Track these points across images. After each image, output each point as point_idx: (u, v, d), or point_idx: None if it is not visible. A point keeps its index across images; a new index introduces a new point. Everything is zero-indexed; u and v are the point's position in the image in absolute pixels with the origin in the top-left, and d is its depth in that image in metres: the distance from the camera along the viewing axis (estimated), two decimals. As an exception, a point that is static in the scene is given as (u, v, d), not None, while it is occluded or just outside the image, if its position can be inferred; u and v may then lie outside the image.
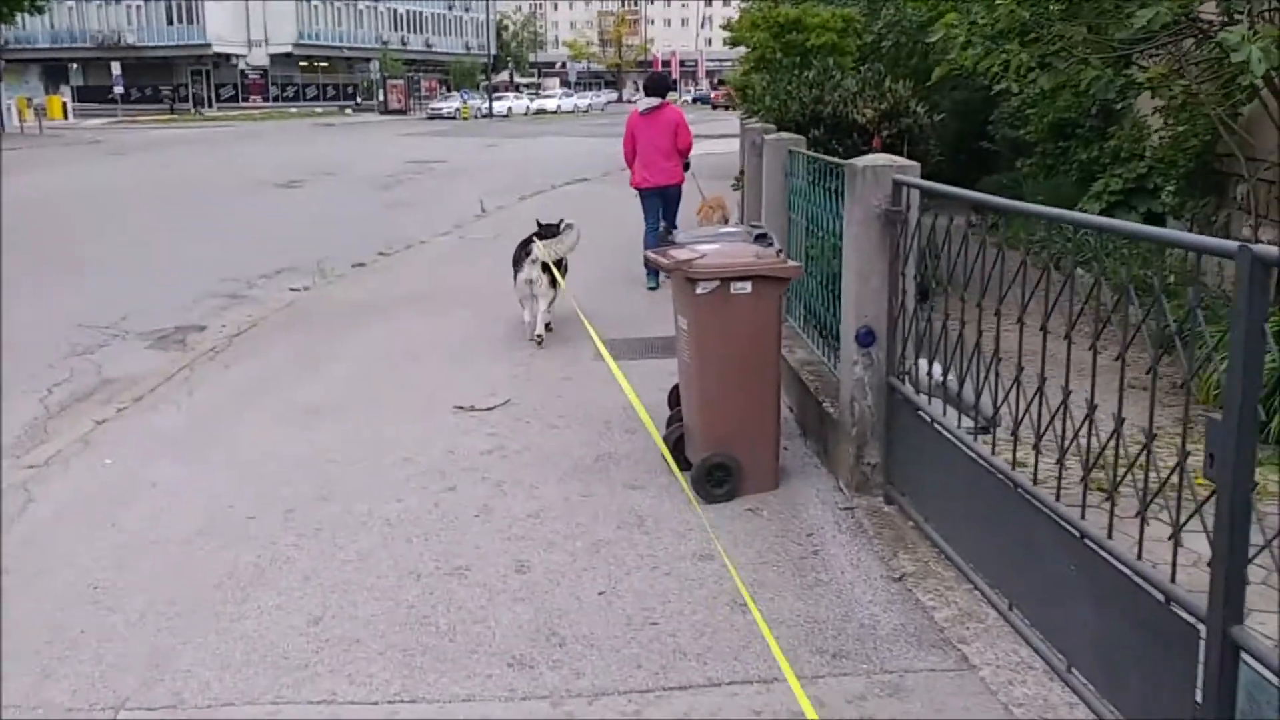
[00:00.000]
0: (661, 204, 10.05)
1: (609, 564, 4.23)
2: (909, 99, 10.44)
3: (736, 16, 18.35)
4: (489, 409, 6.31)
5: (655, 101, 10.14)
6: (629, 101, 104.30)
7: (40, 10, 47.57)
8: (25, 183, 21.96)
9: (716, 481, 4.75)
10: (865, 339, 4.55)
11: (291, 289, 10.87)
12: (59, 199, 19.56)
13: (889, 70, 11.58)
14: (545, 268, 7.97)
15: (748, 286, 4.63)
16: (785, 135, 6.93)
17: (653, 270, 10.13)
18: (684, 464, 5.05)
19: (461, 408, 6.33)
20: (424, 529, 4.64)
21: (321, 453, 5.67)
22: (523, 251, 8.29)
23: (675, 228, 10.17)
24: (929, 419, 4.21)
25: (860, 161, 4.55)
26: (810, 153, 6.61)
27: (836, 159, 5.68)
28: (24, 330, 9.00)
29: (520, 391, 6.66)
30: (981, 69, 7.66)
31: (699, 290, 4.62)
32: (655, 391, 6.06)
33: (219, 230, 15.33)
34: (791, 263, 4.81)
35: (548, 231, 8.62)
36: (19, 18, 47.43)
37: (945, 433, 4.07)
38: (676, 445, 5.12)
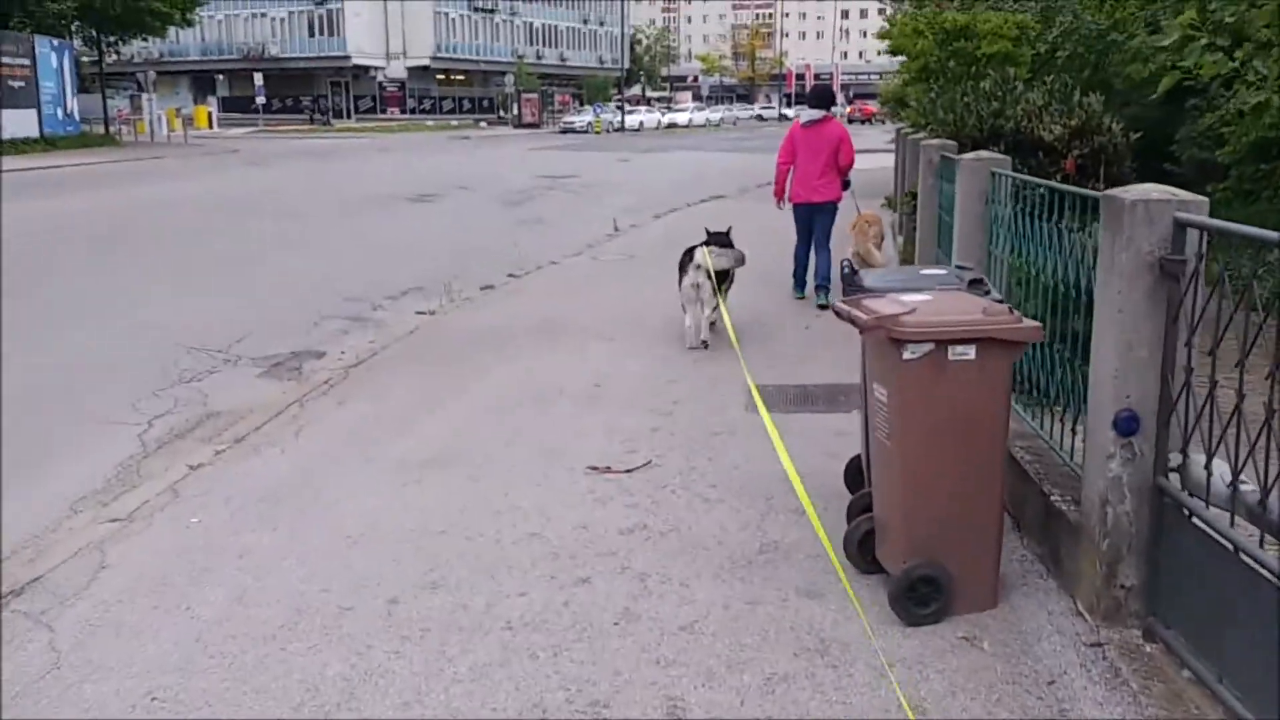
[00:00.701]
0: (814, 221, 9.73)
1: (787, 711, 3.26)
2: (1102, 114, 9.22)
3: (887, 23, 17.24)
4: (628, 471, 5.40)
5: (819, 114, 9.75)
6: (761, 116, 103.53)
7: (190, 23, 49.01)
8: (162, 190, 22.14)
9: (921, 599, 3.73)
10: (1127, 426, 3.48)
11: (418, 312, 10.19)
12: (191, 207, 19.51)
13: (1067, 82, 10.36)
14: (709, 274, 7.85)
15: (971, 351, 3.61)
16: (984, 155, 5.86)
17: (800, 278, 9.89)
18: (872, 563, 4.06)
19: (596, 469, 5.44)
20: (553, 639, 3.75)
21: (434, 521, 4.84)
22: (687, 257, 8.23)
23: (828, 247, 9.79)
24: (1220, 537, 3.14)
25: (1127, 194, 3.49)
26: (1026, 177, 5.53)
27: (1071, 187, 4.62)
28: (134, 350, 8.49)
29: (663, 449, 5.74)
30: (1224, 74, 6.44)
31: (907, 355, 3.62)
32: (819, 457, 5.14)
33: (347, 245, 14.87)
34: (1029, 322, 3.77)
35: (716, 239, 8.42)
36: (171, 30, 48.90)
37: (1248, 557, 3.00)
38: (863, 541, 4.12)
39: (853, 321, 3.85)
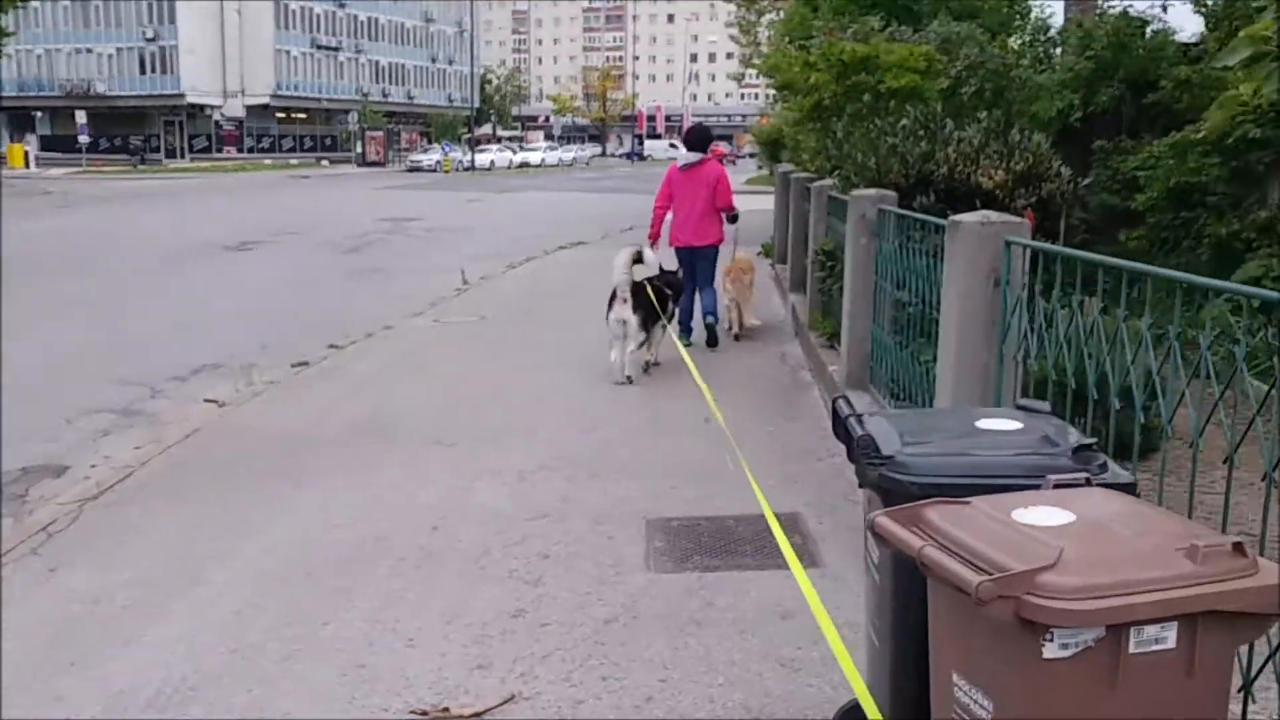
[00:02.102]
0: (695, 265, 9.29)
1: None
2: (1050, 156, 7.72)
3: (759, 61, 15.71)
4: (475, 718, 3.40)
5: (696, 157, 9.35)
6: (614, 155, 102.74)
7: (-4, 54, 44.93)
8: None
9: None
10: None
11: (207, 400, 8.00)
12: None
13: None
14: (639, 307, 7.83)
15: (1171, 636, 1.76)
16: (993, 216, 4.06)
17: (686, 325, 9.30)
18: None
19: (423, 714, 3.41)
20: None
21: None
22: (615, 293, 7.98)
23: (712, 287, 9.35)
24: None
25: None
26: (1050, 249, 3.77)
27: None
28: None
29: (531, 658, 3.74)
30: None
31: (1055, 650, 1.74)
32: (771, 670, 3.31)
33: (141, 308, 12.42)
34: (1267, 567, 1.92)
35: (667, 278, 8.58)
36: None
37: None
38: None
39: (926, 567, 1.97)
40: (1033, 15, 17.55)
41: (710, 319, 9.26)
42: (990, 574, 1.86)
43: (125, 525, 5.22)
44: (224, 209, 29.36)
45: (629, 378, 7.85)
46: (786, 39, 19.67)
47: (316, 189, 41.14)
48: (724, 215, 9.32)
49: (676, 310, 8.93)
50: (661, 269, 8.62)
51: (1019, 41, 15.69)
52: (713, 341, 9.20)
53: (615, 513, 5.14)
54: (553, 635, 3.88)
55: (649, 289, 8.07)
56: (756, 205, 20.80)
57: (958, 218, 4.05)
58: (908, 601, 2.66)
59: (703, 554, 4.64)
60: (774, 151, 23.34)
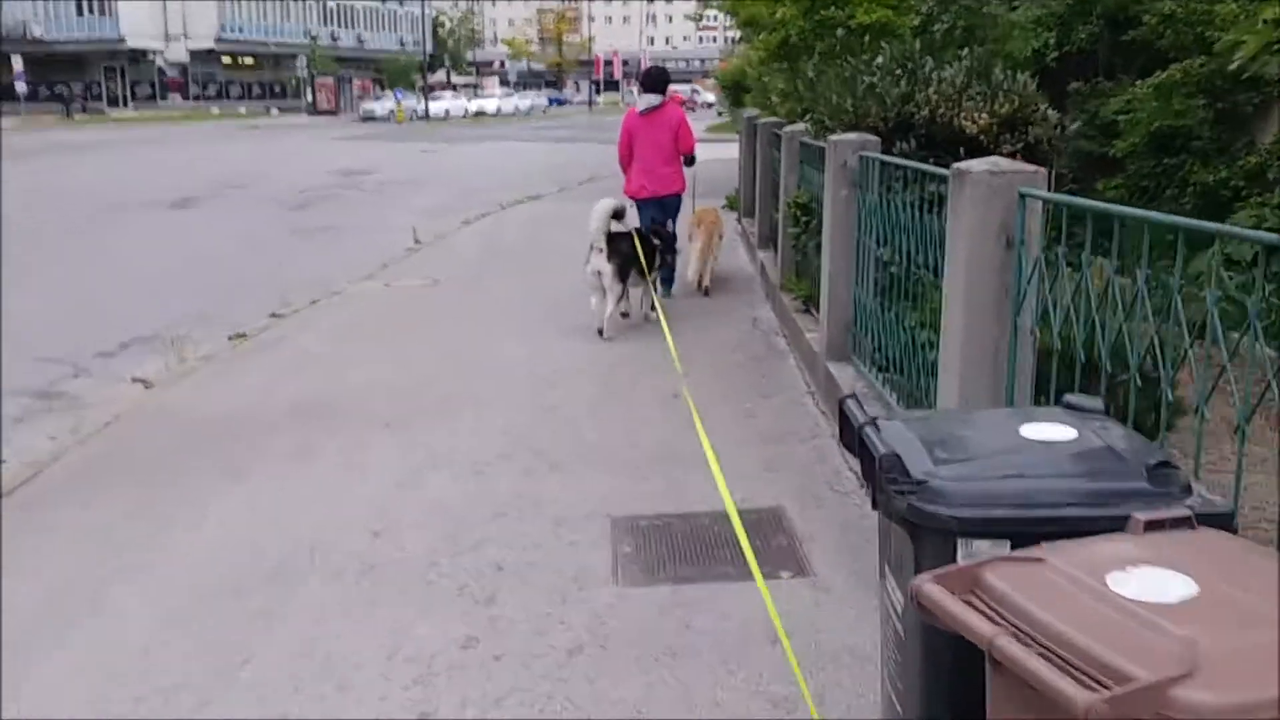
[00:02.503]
0: (660, 215, 8.89)
1: None
2: (1037, 98, 7.20)
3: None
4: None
5: (655, 100, 8.88)
6: (570, 103, 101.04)
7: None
8: None
9: None
10: None
11: (135, 379, 7.38)
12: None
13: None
14: (614, 255, 7.65)
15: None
16: (1003, 164, 3.52)
17: (667, 276, 9.01)
18: None
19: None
20: None
21: None
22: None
23: (674, 239, 8.93)
24: None
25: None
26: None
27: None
28: None
29: (484, 704, 3.23)
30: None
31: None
32: (768, 714, 2.81)
33: (69, 274, 11.69)
34: None
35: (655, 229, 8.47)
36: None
37: None
38: None
39: (999, 665, 1.48)
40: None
41: (666, 282, 9.04)
42: (1098, 682, 1.37)
43: (22, 538, 4.63)
44: (165, 162, 28.31)
45: (600, 331, 7.69)
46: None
47: (265, 139, 39.96)
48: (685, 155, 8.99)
49: (668, 261, 8.82)
50: (653, 220, 8.56)
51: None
52: (667, 295, 8.98)
53: (578, 510, 4.62)
54: (508, 670, 3.37)
55: (635, 238, 7.92)
56: (718, 154, 20.20)
57: (963, 166, 3.53)
58: (943, 670, 2.18)
59: (677, 561, 4.14)
60: (737, 95, 22.63)
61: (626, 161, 9.02)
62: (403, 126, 53.37)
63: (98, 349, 8.36)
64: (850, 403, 2.37)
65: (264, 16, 77.96)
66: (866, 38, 9.42)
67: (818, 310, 7.03)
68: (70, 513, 4.85)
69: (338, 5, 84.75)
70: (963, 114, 6.97)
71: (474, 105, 72.18)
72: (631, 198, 8.87)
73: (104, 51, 72.46)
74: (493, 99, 76.58)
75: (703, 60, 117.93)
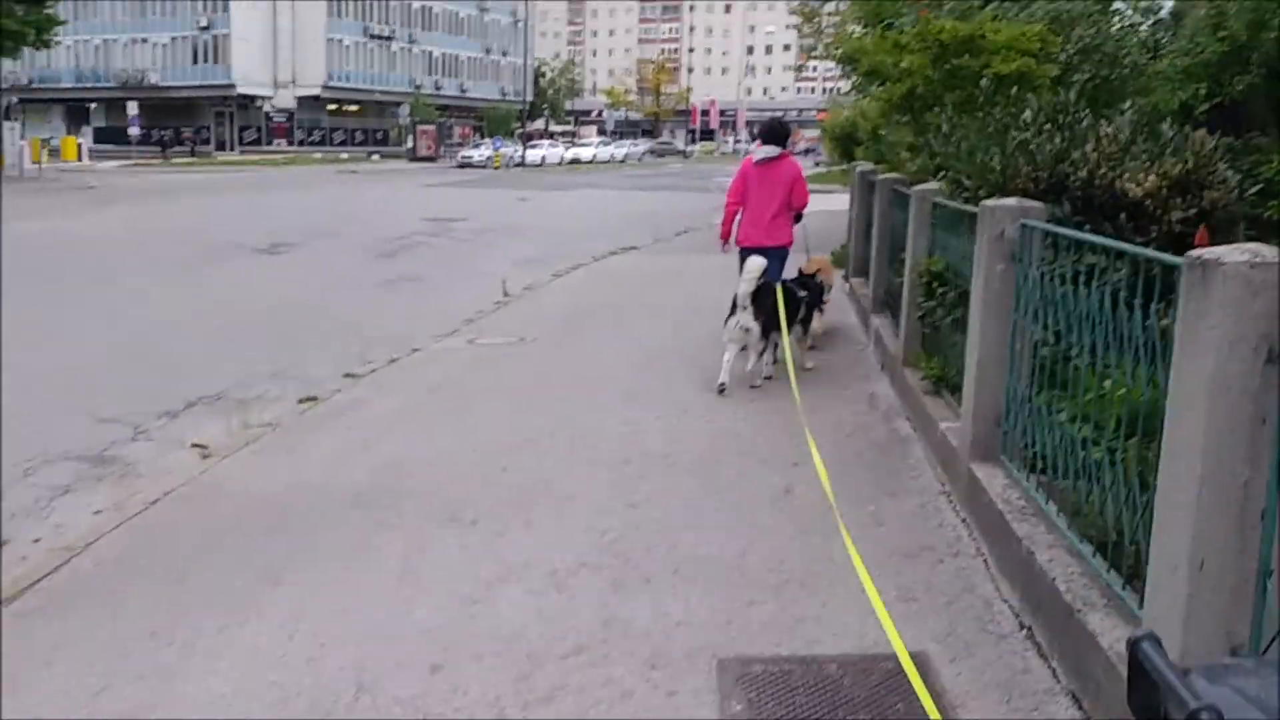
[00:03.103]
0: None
1: None
2: (1214, 157, 6.27)
3: (835, 45, 14.19)
4: None
5: (773, 151, 8.75)
6: (690, 154, 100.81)
7: (46, 44, 44.41)
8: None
9: None
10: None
11: (195, 444, 6.80)
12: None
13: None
14: (765, 312, 7.71)
15: None
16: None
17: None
18: None
19: None
20: None
21: None
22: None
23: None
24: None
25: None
26: None
27: None
28: None
29: None
30: None
31: None
32: None
33: (144, 322, 11.28)
34: None
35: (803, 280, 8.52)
36: (42, 55, 44.20)
37: None
38: None
39: None
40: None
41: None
42: None
43: (32, 643, 3.97)
44: (263, 205, 28.43)
45: (721, 386, 7.62)
46: (860, 23, 18.17)
47: (363, 184, 40.22)
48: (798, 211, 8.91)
49: (815, 314, 8.84)
50: (800, 271, 8.63)
51: (1120, 24, 14.07)
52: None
53: (675, 646, 3.80)
54: None
55: (779, 293, 7.87)
56: (820, 205, 19.36)
57: (1210, 255, 2.68)
58: None
59: (803, 731, 3.29)
60: (847, 148, 21.75)
61: (735, 209, 8.86)
62: (499, 173, 53.55)
63: (164, 407, 7.83)
64: (1146, 646, 1.50)
65: (370, 65, 79.59)
66: (998, 90, 8.53)
67: (951, 394, 6.14)
68: (82, 624, 4.17)
69: (442, 55, 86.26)
70: (1126, 175, 6.10)
71: (570, 153, 72.47)
72: (739, 246, 8.75)
73: (216, 97, 74.60)
74: (589, 147, 76.84)
75: (800, 111, 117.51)
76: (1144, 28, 14.11)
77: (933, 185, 7.21)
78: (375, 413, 7.23)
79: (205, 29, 73.05)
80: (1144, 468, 3.57)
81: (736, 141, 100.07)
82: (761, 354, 7.91)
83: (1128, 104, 7.33)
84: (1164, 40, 13.31)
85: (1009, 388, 4.87)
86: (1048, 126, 6.70)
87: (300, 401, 7.71)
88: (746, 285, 7.70)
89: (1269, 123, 11.08)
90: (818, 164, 56.64)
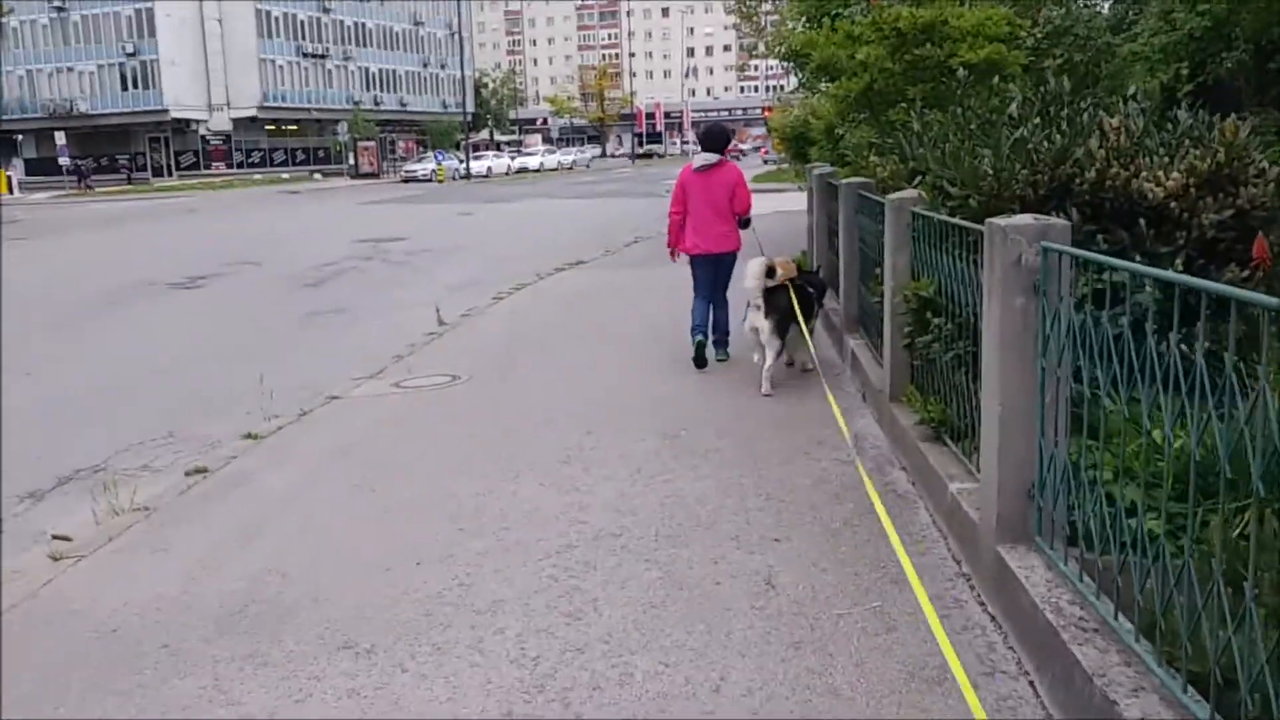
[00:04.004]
0: (714, 274, 8.81)
1: None
2: (1248, 147, 5.32)
3: (787, 38, 13.18)
4: None
5: (713, 158, 8.67)
6: (613, 156, 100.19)
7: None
8: None
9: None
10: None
11: (56, 536, 5.65)
12: None
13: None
14: (772, 312, 7.60)
15: None
16: None
17: (721, 339, 8.86)
18: None
19: None
20: None
21: None
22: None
23: (726, 300, 8.87)
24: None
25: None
26: None
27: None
28: None
29: None
30: None
31: None
32: None
33: (36, 380, 10.02)
34: None
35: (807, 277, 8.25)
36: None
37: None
38: None
39: None
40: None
41: (721, 344, 8.87)
42: None
43: None
44: (189, 232, 27.08)
45: (766, 394, 7.58)
46: (801, 20, 17.20)
47: (300, 205, 38.85)
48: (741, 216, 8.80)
49: (820, 309, 8.71)
50: (801, 269, 8.35)
51: (1085, 3, 13.17)
52: (723, 359, 8.81)
53: None
54: None
55: (791, 292, 7.73)
56: (772, 206, 18.36)
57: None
58: None
59: None
60: (800, 148, 20.72)
61: (679, 218, 8.82)
62: (443, 187, 52.24)
63: (31, 486, 6.69)
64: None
65: (306, 83, 78.03)
66: (979, 79, 7.55)
67: (956, 441, 5.12)
68: None
69: (379, 70, 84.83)
70: (1143, 173, 5.12)
71: (517, 163, 71.35)
72: (688, 254, 8.78)
73: (149, 123, 72.73)
74: (535, 155, 75.73)
75: (745, 110, 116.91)
76: (1105, 7, 13.27)
77: (909, 193, 6.19)
78: (269, 489, 6.08)
79: (132, 55, 71.18)
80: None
81: (684, 143, 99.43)
82: (779, 352, 7.73)
83: (1134, 88, 6.34)
84: (1132, 18, 12.45)
85: (1040, 449, 3.84)
86: (1036, 120, 5.72)
87: (187, 474, 6.54)
88: (752, 282, 7.60)
89: (1259, 103, 10.21)
90: (766, 161, 55.90)
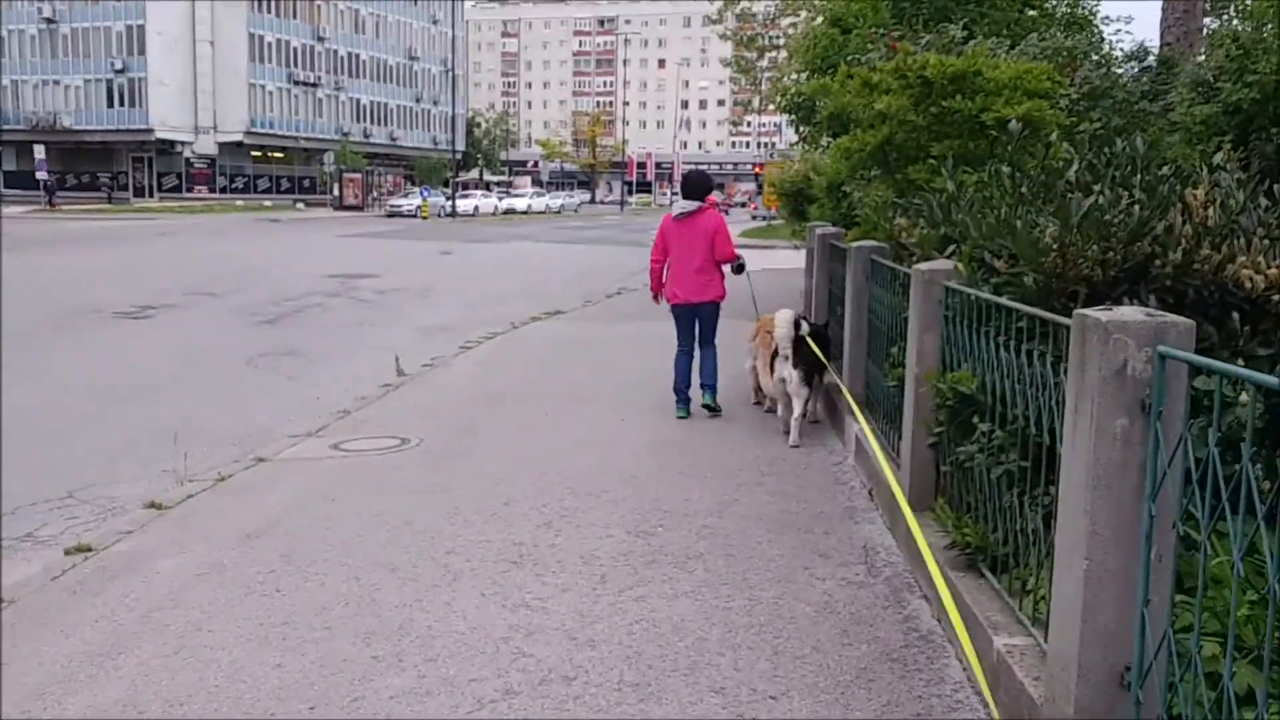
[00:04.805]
0: (694, 323, 8.69)
1: None
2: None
3: (791, 91, 12.33)
4: None
5: (693, 205, 8.59)
6: (602, 203, 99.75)
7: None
8: None
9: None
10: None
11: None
12: None
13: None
14: (804, 362, 7.60)
15: None
16: None
17: (683, 393, 8.61)
18: None
19: None
20: None
21: None
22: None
23: (714, 344, 8.73)
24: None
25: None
26: None
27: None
28: None
29: None
30: None
31: None
32: None
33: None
34: None
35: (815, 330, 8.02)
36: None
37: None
38: None
39: None
40: (1105, 30, 14.29)
41: (708, 387, 8.62)
42: None
43: None
44: (154, 258, 26.00)
45: (793, 445, 7.56)
46: (803, 72, 16.43)
47: (277, 235, 37.82)
48: (727, 268, 8.72)
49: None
50: (809, 323, 8.11)
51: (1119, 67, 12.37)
52: (711, 407, 8.62)
53: None
54: None
55: (810, 343, 7.69)
56: (762, 263, 17.46)
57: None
58: None
59: None
60: (798, 205, 19.87)
61: (659, 266, 8.80)
62: (427, 224, 51.29)
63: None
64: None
65: (295, 111, 77.27)
66: (1026, 138, 6.64)
67: (995, 574, 4.12)
68: None
69: (371, 103, 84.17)
70: (1245, 259, 4.20)
71: (504, 203, 70.67)
72: (670, 303, 8.73)
73: (133, 142, 71.73)
74: (523, 197, 75.09)
75: (735, 165, 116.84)
76: (1130, 75, 12.49)
77: (943, 263, 5.24)
78: (153, 584, 4.98)
79: (120, 71, 70.27)
80: None
81: (673, 194, 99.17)
82: (806, 402, 7.74)
83: (1220, 155, 5.44)
84: (1160, 86, 11.65)
85: (1144, 623, 2.85)
86: (1096, 187, 4.78)
87: (68, 553, 5.46)
88: (782, 331, 7.61)
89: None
90: (754, 217, 55.28)
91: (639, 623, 4.41)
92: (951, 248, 5.47)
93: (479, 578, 4.94)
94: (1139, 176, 4.81)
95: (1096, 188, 4.76)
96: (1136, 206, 4.37)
